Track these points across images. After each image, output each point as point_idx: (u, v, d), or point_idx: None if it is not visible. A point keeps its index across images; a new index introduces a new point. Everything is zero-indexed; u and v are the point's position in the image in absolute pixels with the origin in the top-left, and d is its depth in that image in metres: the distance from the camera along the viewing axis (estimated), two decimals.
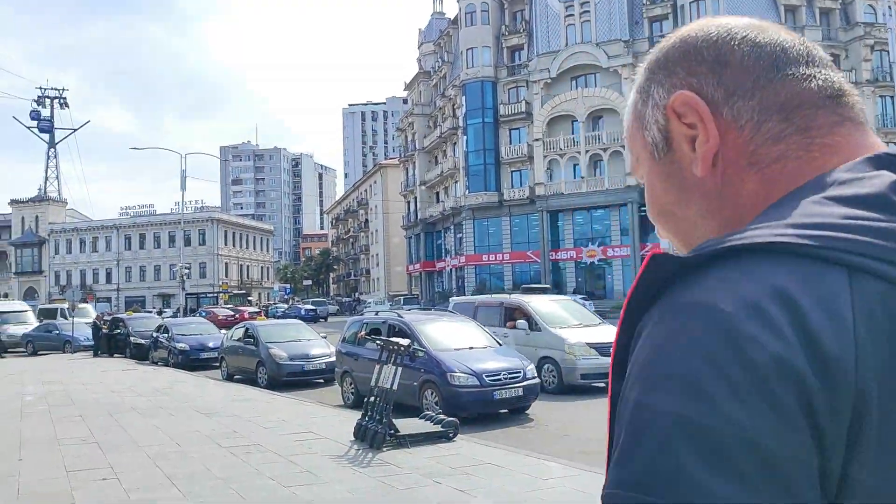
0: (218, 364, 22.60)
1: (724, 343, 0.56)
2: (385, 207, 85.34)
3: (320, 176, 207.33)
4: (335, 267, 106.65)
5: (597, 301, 49.91)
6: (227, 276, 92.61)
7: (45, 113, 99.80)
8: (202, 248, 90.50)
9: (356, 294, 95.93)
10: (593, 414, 10.67)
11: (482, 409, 10.53)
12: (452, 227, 64.76)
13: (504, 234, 59.48)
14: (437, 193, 69.24)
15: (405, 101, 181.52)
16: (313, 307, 63.11)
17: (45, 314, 39.58)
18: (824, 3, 53.99)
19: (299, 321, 19.85)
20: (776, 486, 0.53)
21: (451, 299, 14.61)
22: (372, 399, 8.78)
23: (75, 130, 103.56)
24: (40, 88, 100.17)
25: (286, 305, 74.30)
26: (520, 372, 10.95)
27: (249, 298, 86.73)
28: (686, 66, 0.76)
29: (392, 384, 8.55)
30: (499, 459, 7.61)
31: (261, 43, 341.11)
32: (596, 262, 55.89)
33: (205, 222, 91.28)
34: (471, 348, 11.35)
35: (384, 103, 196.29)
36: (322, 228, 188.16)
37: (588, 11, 55.99)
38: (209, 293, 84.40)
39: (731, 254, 0.61)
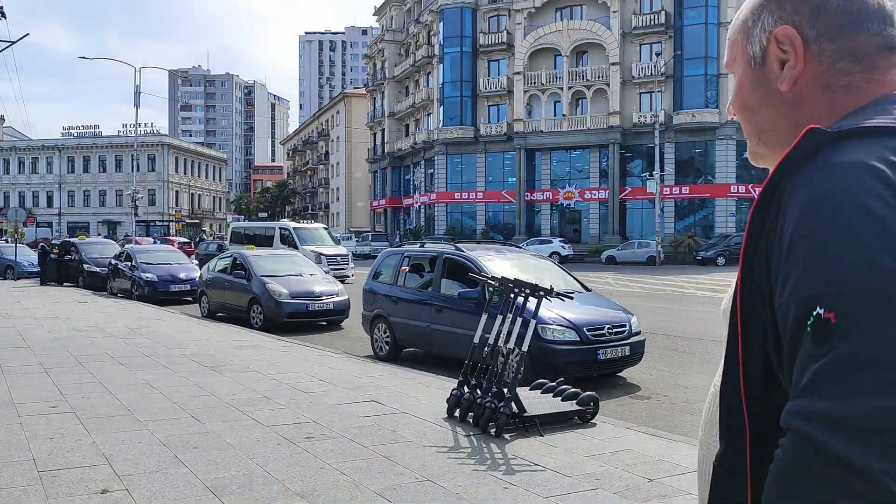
0: (191, 298, 19.92)
1: (880, 182, 0.77)
2: (349, 138, 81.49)
3: (273, 106, 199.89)
4: (291, 200, 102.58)
5: (573, 245, 48.15)
6: (177, 204, 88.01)
7: None
8: (151, 175, 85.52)
9: None
10: (674, 379, 8.46)
11: (583, 371, 8.14)
12: (423, 162, 61.75)
13: (478, 171, 56.86)
14: (407, 126, 65.86)
15: (364, 32, 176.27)
16: None
17: None
18: None
19: (295, 252, 17.09)
20: None
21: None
22: (475, 363, 6.29)
23: (13, 43, 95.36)
24: None
25: None
26: (625, 326, 8.58)
27: (203, 228, 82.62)
28: (793, 5, 0.99)
29: (522, 345, 6.04)
30: (675, 455, 5.26)
31: None
32: (573, 205, 53.86)
33: (154, 147, 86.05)
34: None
35: (343, 33, 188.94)
36: (274, 160, 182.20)
37: None
38: (158, 222, 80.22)
39: (858, 133, 0.84)
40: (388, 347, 10.48)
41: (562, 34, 52.57)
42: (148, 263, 20.31)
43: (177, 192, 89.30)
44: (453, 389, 6.45)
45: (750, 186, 48.90)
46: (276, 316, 13.74)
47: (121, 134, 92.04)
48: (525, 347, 6.08)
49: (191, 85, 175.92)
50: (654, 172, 43.19)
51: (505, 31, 54.71)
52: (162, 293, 19.40)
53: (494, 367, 6.14)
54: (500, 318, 6.41)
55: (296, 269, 15.24)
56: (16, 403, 6.68)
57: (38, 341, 11.08)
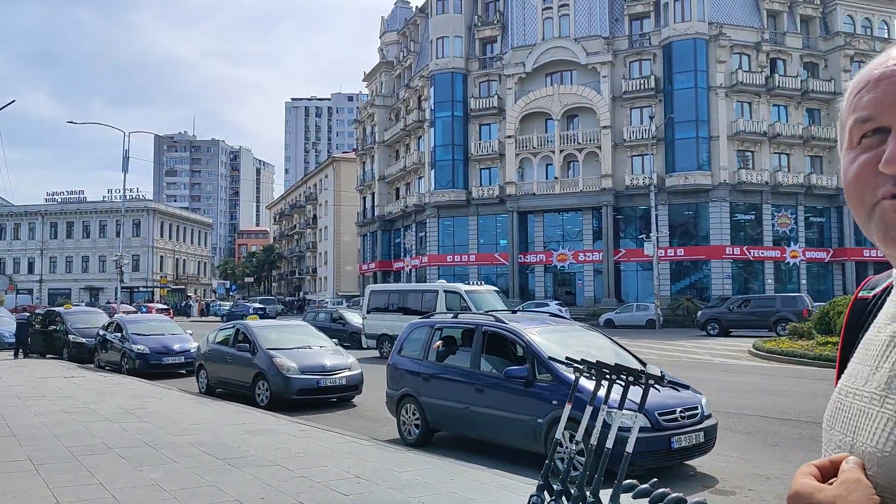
0: (185, 372, 18.74)
1: None
2: (337, 202, 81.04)
3: (258, 171, 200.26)
4: (278, 264, 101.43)
5: (569, 308, 47.27)
6: (161, 269, 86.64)
7: None
8: (136, 240, 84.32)
9: (300, 293, 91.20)
10: (750, 467, 7.49)
11: (655, 462, 7.16)
12: (414, 225, 61.21)
13: (471, 234, 56.31)
14: (398, 189, 65.57)
15: (350, 98, 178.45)
16: (262, 306, 58.44)
17: None
18: (805, 10, 52.84)
19: (303, 322, 16.05)
20: None
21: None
22: (561, 460, 5.32)
23: (2, 108, 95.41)
24: None
25: (230, 303, 69.22)
26: (697, 408, 7.64)
27: (189, 294, 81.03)
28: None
29: (627, 443, 5.10)
30: None
31: (199, 31, 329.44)
32: (566, 267, 53.27)
33: (140, 212, 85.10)
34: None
35: (329, 99, 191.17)
36: (258, 224, 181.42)
37: (567, 5, 53.51)
38: (143, 287, 78.73)
39: None
40: (417, 431, 9.44)
41: (552, 98, 52.92)
42: (139, 334, 19.16)
43: (161, 257, 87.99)
44: (532, 497, 5.45)
45: (745, 248, 48.66)
46: (284, 393, 12.65)
47: (105, 199, 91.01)
48: (630, 449, 5.12)
49: (176, 150, 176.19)
50: (651, 234, 42.77)
51: (496, 96, 55.02)
52: (155, 366, 18.22)
53: (585, 470, 5.17)
54: (589, 409, 5.45)
55: (303, 340, 14.21)
56: None
57: (23, 427, 9.92)
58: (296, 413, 11.87)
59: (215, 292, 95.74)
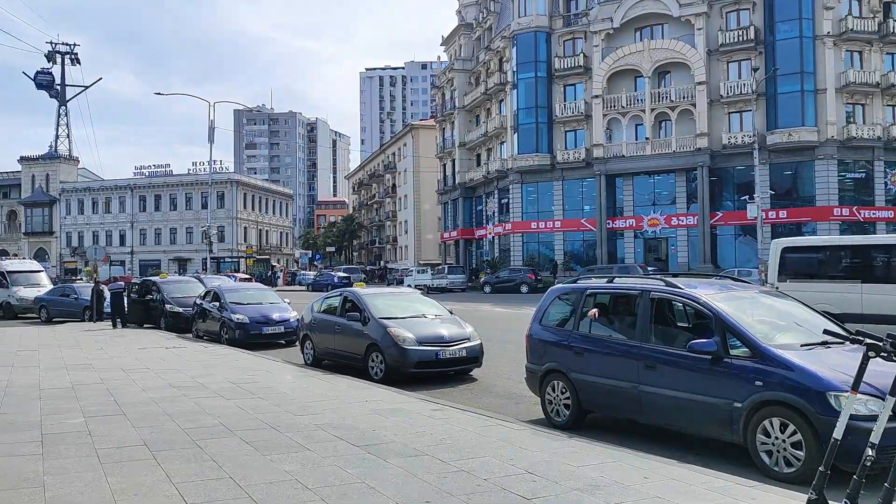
0: (283, 342, 18.06)
1: None
2: (416, 170, 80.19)
3: (334, 142, 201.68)
4: (358, 234, 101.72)
5: None
6: (245, 240, 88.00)
7: (56, 70, 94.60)
8: (221, 211, 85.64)
9: (381, 262, 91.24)
10: None
11: (889, 460, 5.65)
12: (496, 191, 59.73)
13: (556, 199, 54.47)
14: (479, 156, 64.06)
15: (424, 66, 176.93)
16: (346, 274, 58.35)
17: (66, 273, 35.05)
18: None
19: (411, 289, 14.98)
20: None
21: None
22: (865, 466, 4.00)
23: (87, 87, 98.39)
24: (51, 44, 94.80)
25: (314, 272, 69.60)
26: None
27: (273, 264, 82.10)
28: None
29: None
30: None
31: (271, 5, 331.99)
32: (657, 232, 50.92)
33: (224, 184, 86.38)
34: (825, 345, 6.49)
35: (402, 68, 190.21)
36: (336, 195, 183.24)
37: None
38: (228, 258, 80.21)
39: None
40: (567, 412, 8.20)
41: (642, 55, 50.22)
42: (237, 304, 18.55)
43: (245, 227, 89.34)
44: (813, 496, 4.11)
45: (854, 209, 45.30)
46: (400, 365, 11.62)
47: (190, 172, 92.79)
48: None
49: (255, 123, 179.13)
50: (754, 196, 40.11)
51: (582, 55, 52.65)
52: (254, 336, 17.58)
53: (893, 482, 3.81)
54: (890, 399, 4.07)
55: (416, 308, 13.12)
56: None
57: (133, 404, 9.17)
58: (415, 388, 10.83)
59: (297, 262, 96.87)
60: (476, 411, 8.65)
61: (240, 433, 7.36)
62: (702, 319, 7.21)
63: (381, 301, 13.09)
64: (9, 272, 32.37)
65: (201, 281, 27.10)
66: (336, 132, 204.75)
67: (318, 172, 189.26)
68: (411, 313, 12.77)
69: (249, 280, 49.49)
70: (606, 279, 8.68)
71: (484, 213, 62.48)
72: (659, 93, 49.90)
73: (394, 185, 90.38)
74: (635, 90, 51.14)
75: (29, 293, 31.07)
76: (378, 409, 8.65)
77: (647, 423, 7.56)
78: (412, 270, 58.53)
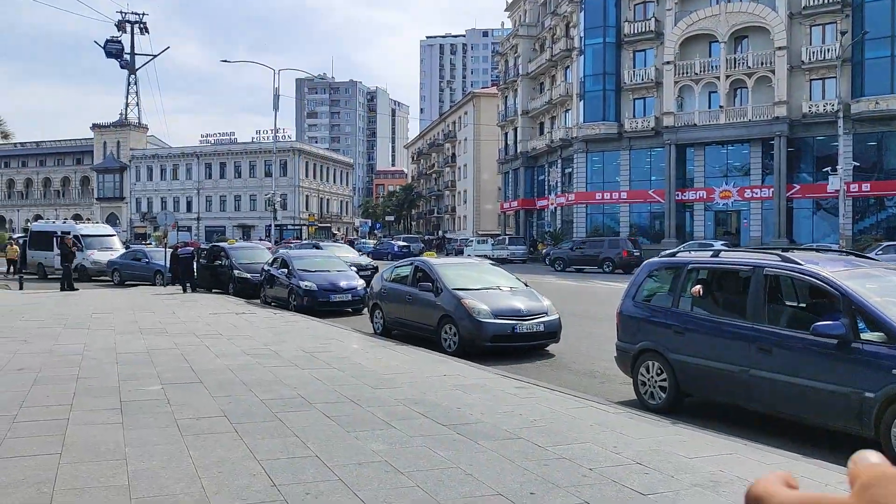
0: (350, 310, 17.85)
1: None
2: (477, 140, 79.28)
3: (393, 112, 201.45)
4: (417, 203, 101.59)
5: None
6: (307, 208, 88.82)
7: (125, 39, 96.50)
8: (283, 179, 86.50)
9: (439, 232, 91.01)
10: None
11: None
12: (560, 161, 58.47)
13: (622, 169, 52.99)
14: (542, 124, 62.79)
15: (485, 34, 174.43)
16: (405, 244, 58.25)
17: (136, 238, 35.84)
18: None
19: (482, 259, 14.49)
20: None
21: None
22: None
23: (155, 56, 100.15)
24: (120, 13, 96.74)
25: (373, 241, 69.83)
26: None
27: (334, 232, 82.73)
28: None
29: None
30: None
31: None
32: (730, 205, 49.08)
33: (286, 153, 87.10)
34: None
35: (463, 35, 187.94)
36: (394, 165, 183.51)
37: None
38: (290, 225, 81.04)
39: None
40: (663, 395, 7.63)
41: (718, 19, 48.03)
42: (306, 270, 18.41)
43: (307, 196, 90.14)
44: None
45: None
46: (475, 339, 11.19)
47: (254, 140, 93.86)
48: None
49: (316, 92, 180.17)
50: (836, 168, 38.13)
51: (653, 19, 50.69)
52: (322, 304, 17.41)
53: None
54: None
55: (490, 280, 12.64)
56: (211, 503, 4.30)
57: (209, 372, 8.98)
58: (490, 363, 10.38)
59: (357, 230, 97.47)
60: (563, 390, 8.15)
61: (319, 406, 7.04)
62: (824, 299, 6.53)
63: (454, 271, 12.66)
64: (83, 236, 33.15)
65: (318, 247, 28.10)
66: (395, 101, 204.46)
67: (377, 142, 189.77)
68: (485, 285, 12.31)
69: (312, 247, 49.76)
70: (711, 252, 8.02)
71: (546, 183, 61.37)
72: (735, 59, 47.75)
73: (453, 154, 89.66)
74: (709, 56, 49.07)
75: (102, 257, 31.79)
76: (459, 385, 8.25)
77: (754, 409, 6.94)
78: (472, 241, 58.00)
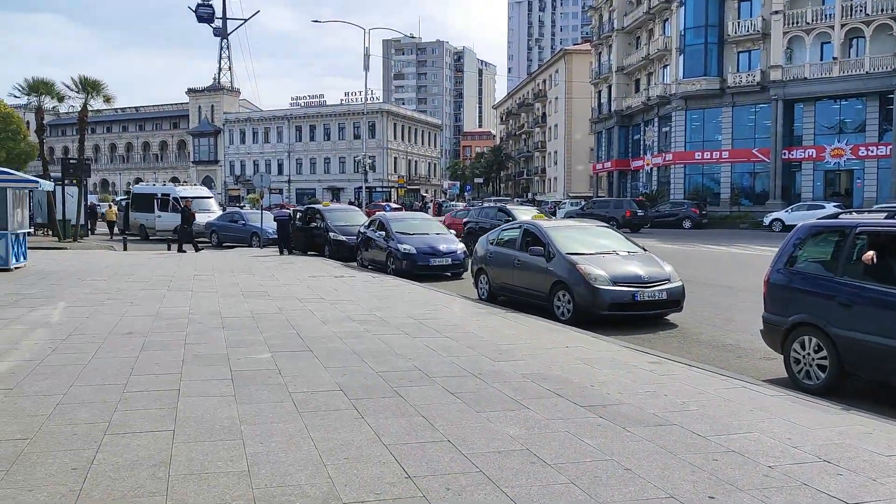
0: (449, 274, 17.35)
1: None
2: (568, 98, 77.06)
3: (480, 72, 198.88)
4: (506, 165, 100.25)
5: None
6: (395, 170, 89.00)
7: (217, 4, 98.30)
8: (372, 142, 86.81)
9: (529, 194, 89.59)
10: None
11: None
12: (657, 119, 56.06)
13: (724, 127, 50.29)
14: (638, 81, 60.25)
15: None
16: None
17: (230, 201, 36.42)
18: None
19: (601, 224, 13.62)
20: None
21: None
22: None
23: (246, 20, 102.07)
24: None
25: (463, 203, 69.26)
26: None
27: (423, 194, 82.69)
28: None
29: None
30: None
31: None
32: (842, 164, 45.87)
33: (374, 114, 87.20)
34: None
35: None
36: (481, 126, 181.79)
37: None
38: (379, 188, 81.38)
39: None
40: (823, 374, 6.72)
41: None
42: (404, 233, 17.99)
43: (395, 158, 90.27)
44: None
45: None
46: (591, 306, 10.44)
47: (343, 103, 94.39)
48: None
49: (403, 53, 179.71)
50: None
51: None
52: (422, 267, 16.97)
53: None
54: None
55: (605, 244, 11.80)
56: (341, 499, 3.81)
57: (317, 339, 8.63)
58: (609, 332, 9.63)
59: (445, 193, 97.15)
60: (703, 367, 7.36)
61: (440, 380, 6.51)
62: None
63: (566, 234, 11.88)
64: (182, 198, 33.93)
65: (509, 214, 24.27)
66: (482, 61, 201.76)
67: (464, 102, 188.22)
68: (599, 249, 11.49)
69: (401, 209, 49.69)
70: (886, 213, 6.98)
71: (642, 142, 59.04)
72: (851, 5, 44.13)
73: (543, 114, 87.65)
74: (822, 3, 45.55)
75: (201, 218, 32.42)
76: (585, 358, 7.56)
77: None
78: (565, 202, 56.61)
